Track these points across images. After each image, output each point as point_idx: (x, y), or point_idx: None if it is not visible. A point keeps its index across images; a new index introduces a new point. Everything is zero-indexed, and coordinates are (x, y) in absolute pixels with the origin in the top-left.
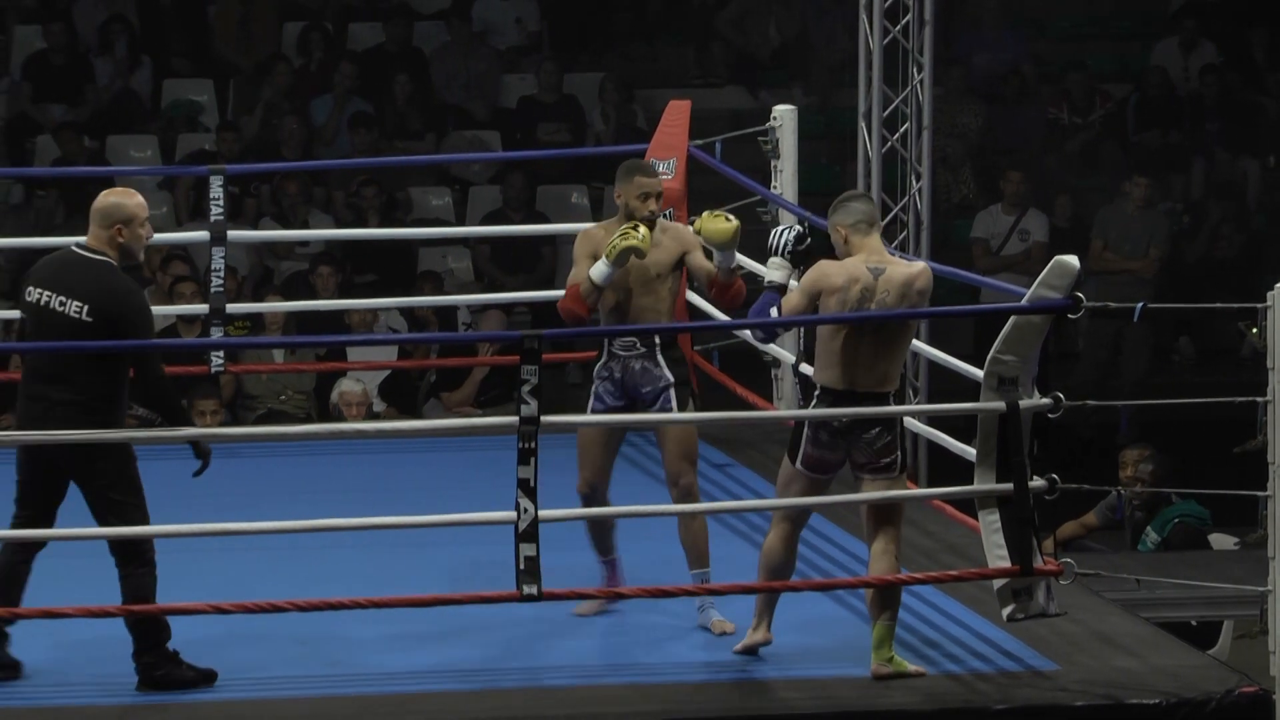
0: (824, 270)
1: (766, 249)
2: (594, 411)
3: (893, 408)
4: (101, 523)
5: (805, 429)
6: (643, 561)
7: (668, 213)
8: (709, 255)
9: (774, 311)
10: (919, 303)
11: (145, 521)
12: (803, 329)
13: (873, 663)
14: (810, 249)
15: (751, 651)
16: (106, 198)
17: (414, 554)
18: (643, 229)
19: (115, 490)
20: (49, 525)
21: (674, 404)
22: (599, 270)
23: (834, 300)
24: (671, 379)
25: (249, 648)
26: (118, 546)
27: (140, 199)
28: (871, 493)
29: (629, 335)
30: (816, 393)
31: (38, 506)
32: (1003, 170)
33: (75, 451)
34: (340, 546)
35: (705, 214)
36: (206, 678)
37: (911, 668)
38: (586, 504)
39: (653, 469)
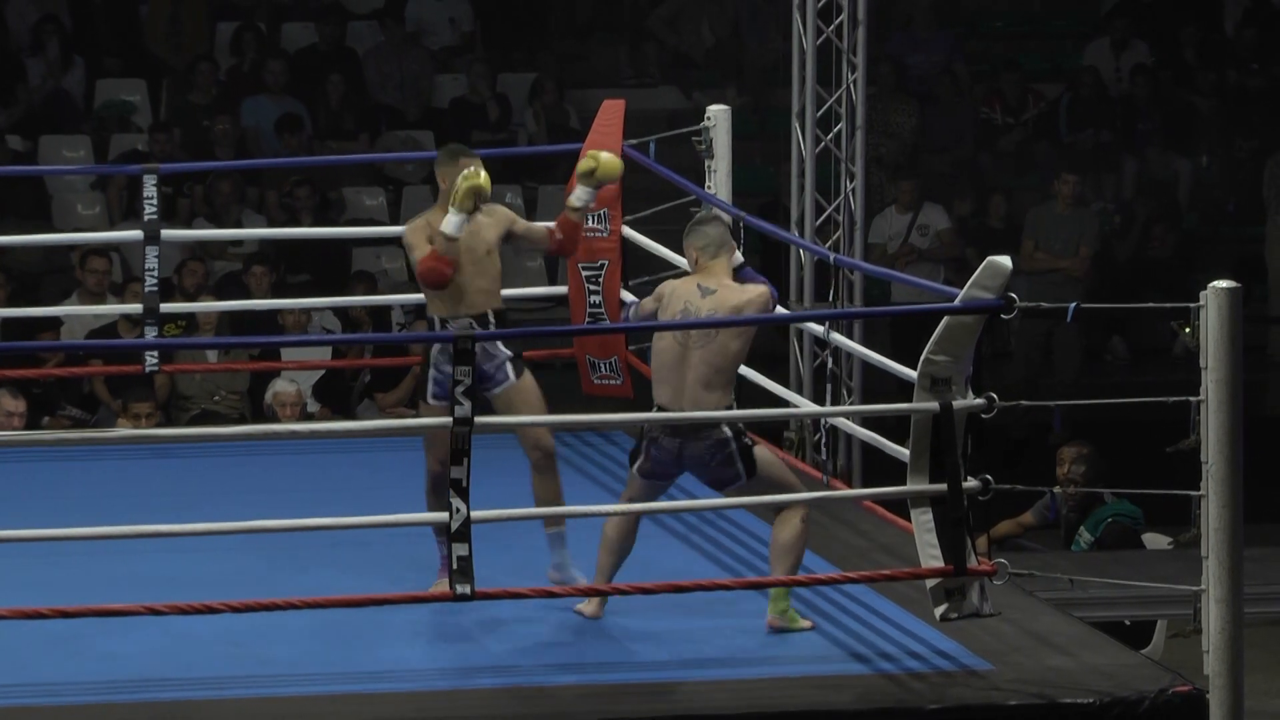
0: (663, 285)
1: None
2: (435, 395)
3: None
4: None
5: (644, 442)
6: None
7: (601, 213)
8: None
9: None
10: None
11: None
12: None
13: (768, 614)
14: None
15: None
16: None
17: (349, 553)
18: (482, 170)
19: None
20: None
21: (510, 374)
22: (450, 222)
23: (666, 315)
24: (509, 353)
25: (183, 649)
26: None
27: None
28: (745, 497)
29: (554, 334)
30: (655, 408)
31: None
32: (940, 171)
33: None
34: (275, 547)
35: (604, 154)
36: None
37: (803, 622)
38: (439, 481)
39: (592, 470)
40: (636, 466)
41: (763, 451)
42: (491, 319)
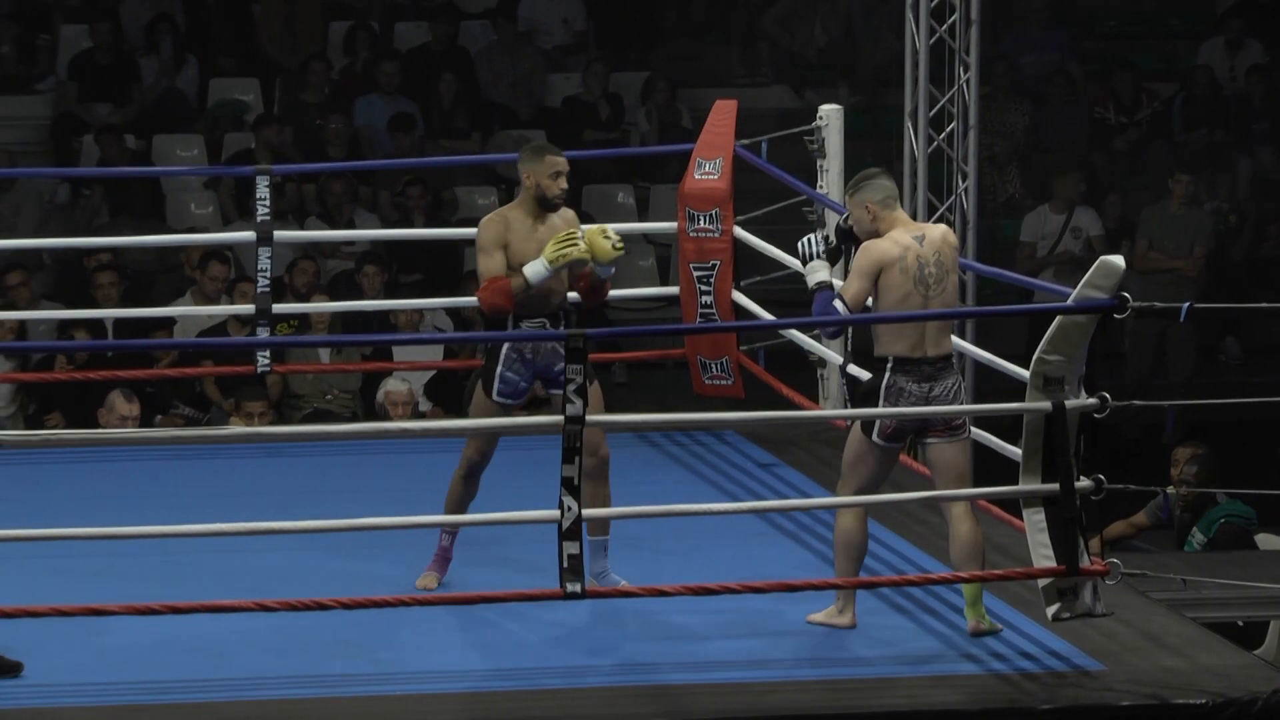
0: (877, 247)
1: (801, 257)
2: (500, 392)
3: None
4: None
5: (882, 399)
6: (685, 562)
7: (713, 212)
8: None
9: (838, 304)
10: (956, 258)
11: None
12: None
13: (970, 621)
14: (836, 247)
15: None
16: None
17: (460, 551)
18: (583, 239)
19: None
20: None
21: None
22: (536, 273)
23: (895, 271)
24: None
25: (294, 646)
26: None
27: None
28: (941, 461)
29: (669, 333)
30: (889, 365)
31: None
32: (1051, 170)
33: None
34: (384, 545)
35: (594, 229)
36: (10, 669)
37: (997, 625)
38: (474, 470)
39: (702, 468)
40: (876, 432)
41: None
42: (562, 319)
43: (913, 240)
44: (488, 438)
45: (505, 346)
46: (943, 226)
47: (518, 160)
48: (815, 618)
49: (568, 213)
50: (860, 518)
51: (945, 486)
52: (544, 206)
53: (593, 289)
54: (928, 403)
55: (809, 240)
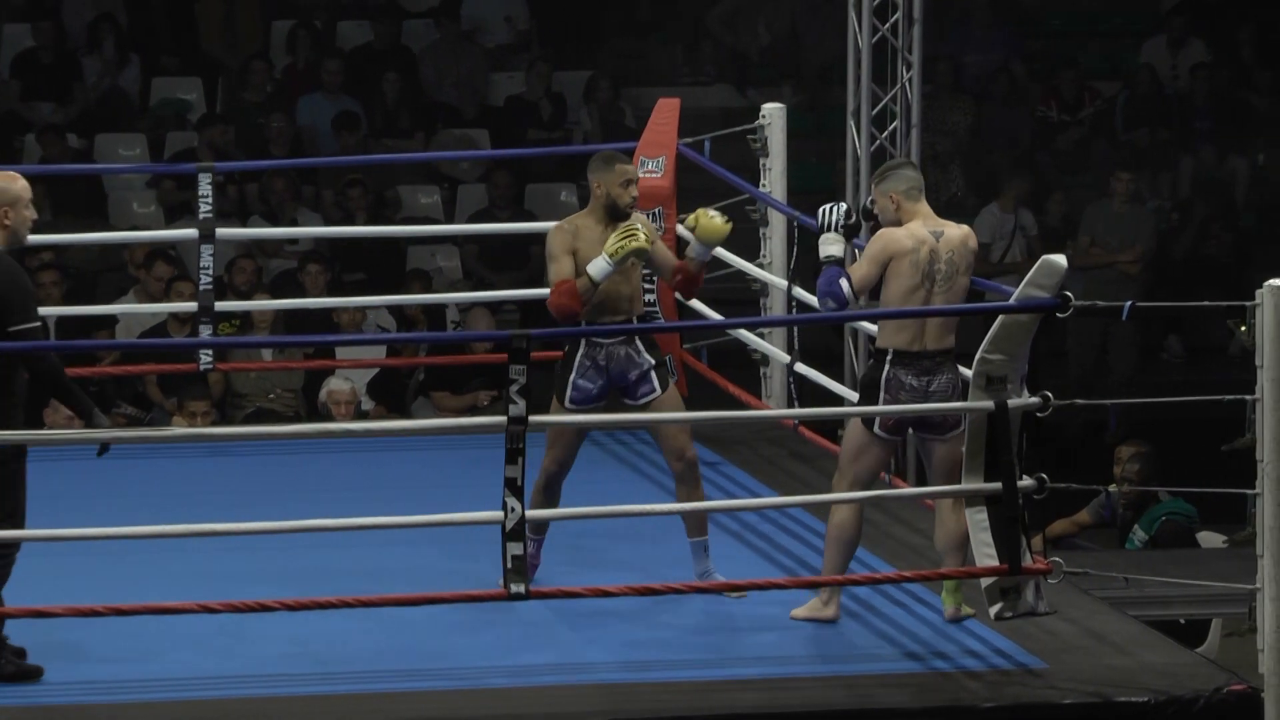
0: (891, 236)
1: (819, 225)
2: (573, 399)
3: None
4: None
5: (882, 393)
6: (642, 560)
7: (655, 211)
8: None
9: (843, 282)
10: (973, 261)
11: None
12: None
13: (950, 608)
14: (855, 224)
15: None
16: None
17: (402, 552)
18: (642, 229)
19: None
20: None
21: (656, 385)
22: (600, 269)
23: (905, 263)
24: (652, 361)
25: (238, 646)
26: None
27: (24, 182)
28: (942, 458)
29: (616, 331)
30: (889, 358)
31: None
32: (996, 170)
33: None
34: (329, 546)
35: (701, 211)
36: (27, 674)
37: (973, 611)
38: (553, 480)
39: (644, 467)
40: (878, 427)
41: None
42: (635, 324)
43: (929, 235)
44: (565, 447)
45: (579, 354)
46: (965, 228)
47: (588, 169)
48: (799, 613)
49: (641, 217)
50: (856, 511)
51: (939, 480)
52: (614, 215)
53: (690, 278)
54: (927, 396)
55: (830, 208)
